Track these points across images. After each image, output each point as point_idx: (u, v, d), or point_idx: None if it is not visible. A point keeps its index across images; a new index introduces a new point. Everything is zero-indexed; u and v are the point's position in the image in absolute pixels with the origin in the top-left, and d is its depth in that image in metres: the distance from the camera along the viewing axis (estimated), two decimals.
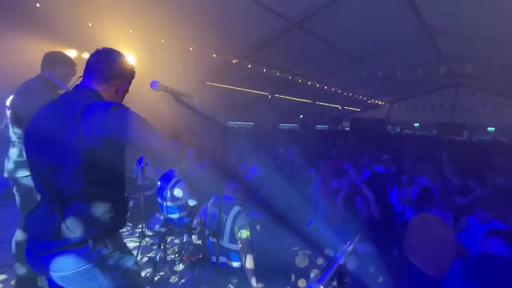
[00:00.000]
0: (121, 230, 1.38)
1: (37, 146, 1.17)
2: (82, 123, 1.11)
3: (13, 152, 2.23)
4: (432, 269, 2.33)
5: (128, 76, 1.37)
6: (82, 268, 1.15)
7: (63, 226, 1.12)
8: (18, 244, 2.38)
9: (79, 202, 1.14)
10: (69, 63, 2.35)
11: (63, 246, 1.13)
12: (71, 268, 1.14)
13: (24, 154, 1.87)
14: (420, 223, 2.57)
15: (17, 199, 2.34)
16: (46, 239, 1.14)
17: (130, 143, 1.20)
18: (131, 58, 4.65)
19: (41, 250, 1.16)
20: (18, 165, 2.22)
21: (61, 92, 2.23)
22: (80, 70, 1.41)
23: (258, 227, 3.44)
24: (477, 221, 2.85)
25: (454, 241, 2.46)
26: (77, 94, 1.23)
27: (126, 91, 1.41)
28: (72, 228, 1.12)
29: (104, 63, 1.29)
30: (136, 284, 1.36)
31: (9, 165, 2.24)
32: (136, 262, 1.37)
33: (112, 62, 1.30)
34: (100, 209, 1.18)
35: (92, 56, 1.30)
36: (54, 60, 2.26)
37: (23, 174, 2.21)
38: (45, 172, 1.16)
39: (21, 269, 2.37)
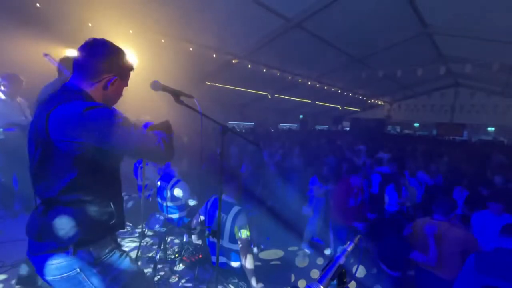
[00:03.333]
0: (119, 232, 1.35)
1: (28, 148, 1.17)
2: (49, 127, 1.04)
3: None
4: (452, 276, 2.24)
5: (118, 69, 1.21)
6: (66, 274, 1.13)
7: (43, 229, 1.11)
8: None
9: (61, 206, 1.12)
10: None
11: (46, 250, 1.12)
12: (54, 273, 1.13)
13: None
14: (442, 233, 2.40)
15: None
16: (34, 240, 1.15)
17: (109, 146, 1.08)
18: (131, 58, 4.65)
19: (33, 250, 1.16)
20: None
21: None
22: None
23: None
24: (490, 214, 2.83)
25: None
26: (59, 93, 1.14)
27: (121, 85, 1.28)
28: (51, 232, 1.10)
29: (89, 57, 1.16)
30: (133, 286, 1.32)
31: None
32: (133, 263, 1.34)
33: (97, 55, 1.16)
34: (82, 215, 1.13)
35: (78, 50, 1.17)
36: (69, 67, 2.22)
37: None
38: (32, 174, 1.15)
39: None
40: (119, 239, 3.45)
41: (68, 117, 1.04)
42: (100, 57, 1.16)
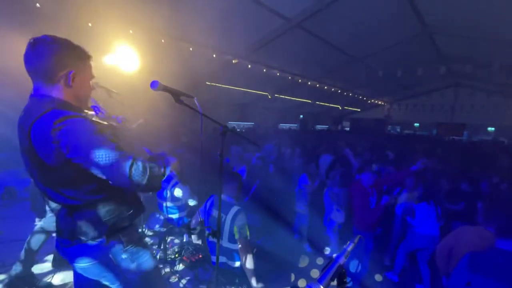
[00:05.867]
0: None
1: (23, 159, 1.16)
2: (34, 146, 1.03)
3: None
4: None
5: (71, 62, 1.11)
6: (98, 261, 1.23)
7: (74, 229, 1.19)
8: (29, 246, 2.42)
9: (82, 209, 1.19)
10: None
11: (80, 241, 1.20)
12: (88, 260, 1.22)
13: None
14: (477, 239, 2.23)
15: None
16: (66, 239, 1.22)
17: (77, 161, 1.02)
18: (131, 58, 4.65)
19: (65, 243, 1.24)
20: None
21: None
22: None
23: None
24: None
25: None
26: (31, 106, 1.10)
27: (83, 79, 1.18)
28: (82, 232, 1.18)
29: (36, 60, 1.06)
30: (150, 278, 1.40)
31: None
32: (153, 257, 1.43)
33: (43, 54, 1.06)
34: (105, 212, 1.21)
35: (24, 56, 1.07)
36: None
37: None
38: (40, 187, 1.19)
39: (18, 268, 2.40)
40: None
41: (43, 133, 1.01)
42: (47, 56, 1.06)
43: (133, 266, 1.31)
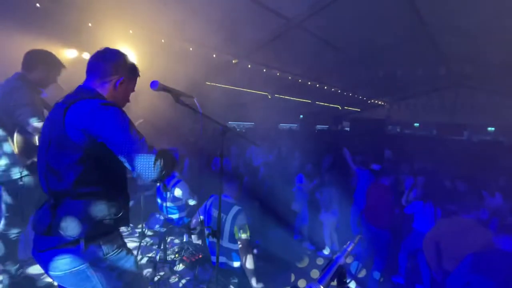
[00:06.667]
0: (121, 230, 1.36)
1: (41, 146, 1.22)
2: (66, 119, 1.12)
3: None
4: None
5: (125, 71, 1.34)
6: (75, 269, 1.15)
7: (54, 222, 1.13)
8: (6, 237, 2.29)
9: (69, 200, 1.15)
10: (52, 65, 2.21)
11: (56, 245, 1.14)
12: (64, 268, 1.15)
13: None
14: (457, 228, 2.32)
15: (4, 198, 2.24)
16: (42, 235, 1.16)
17: (107, 142, 1.13)
18: (131, 57, 4.67)
19: (40, 247, 1.18)
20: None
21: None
22: (81, 70, 1.38)
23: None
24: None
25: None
26: (74, 93, 1.24)
27: (129, 87, 1.39)
28: (62, 225, 1.12)
29: (99, 60, 1.29)
30: (134, 286, 1.33)
31: None
32: (136, 263, 1.35)
33: (107, 58, 1.30)
34: (91, 208, 1.16)
35: (90, 57, 1.32)
36: (33, 61, 2.15)
37: (14, 175, 2.14)
38: (43, 170, 1.19)
39: (10, 266, 2.35)
40: None
41: (85, 108, 1.13)
42: (109, 60, 1.30)
43: (115, 274, 1.23)
